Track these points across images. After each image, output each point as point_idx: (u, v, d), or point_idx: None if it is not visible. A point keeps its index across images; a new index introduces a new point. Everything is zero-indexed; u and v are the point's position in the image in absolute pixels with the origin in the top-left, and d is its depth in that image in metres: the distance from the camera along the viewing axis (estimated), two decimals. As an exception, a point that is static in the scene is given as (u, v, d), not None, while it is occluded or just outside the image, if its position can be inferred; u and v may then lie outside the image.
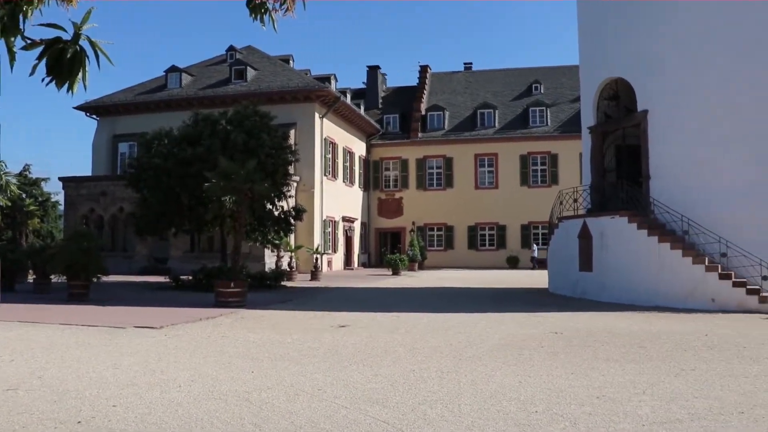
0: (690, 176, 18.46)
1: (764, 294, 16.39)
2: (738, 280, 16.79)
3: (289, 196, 29.42)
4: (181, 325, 13.27)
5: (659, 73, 19.32)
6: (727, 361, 9.34)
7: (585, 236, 20.30)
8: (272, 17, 3.79)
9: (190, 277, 23.50)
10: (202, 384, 7.60)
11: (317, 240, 36.45)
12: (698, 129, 18.48)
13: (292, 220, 26.39)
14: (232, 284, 17.46)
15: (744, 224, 17.40)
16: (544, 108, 47.87)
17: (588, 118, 22.45)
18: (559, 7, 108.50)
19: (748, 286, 16.58)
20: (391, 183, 49.19)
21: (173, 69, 41.14)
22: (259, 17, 3.77)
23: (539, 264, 43.93)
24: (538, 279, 27.59)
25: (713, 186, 18.02)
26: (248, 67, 39.92)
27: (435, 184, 48.40)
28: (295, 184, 34.39)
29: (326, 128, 39.34)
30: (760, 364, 9.08)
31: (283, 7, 3.77)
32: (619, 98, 21.80)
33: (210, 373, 8.26)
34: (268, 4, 3.75)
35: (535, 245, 44.90)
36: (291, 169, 27.59)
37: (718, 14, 18.38)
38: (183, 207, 24.51)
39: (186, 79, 41.03)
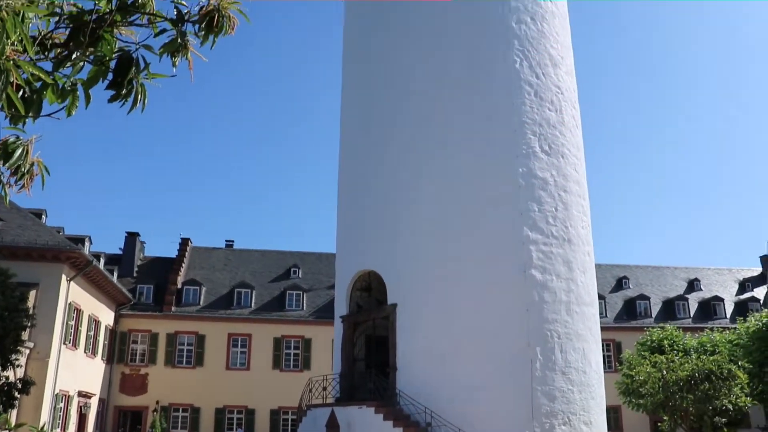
0: (433, 368, 19.37)
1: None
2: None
3: (18, 366, 26.60)
4: None
5: (408, 269, 20.63)
6: None
7: (333, 426, 20.17)
8: (5, 191, 3.53)
9: None
10: None
11: (44, 417, 32.73)
12: (442, 323, 19.70)
13: (16, 394, 23.67)
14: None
15: (482, 416, 18.38)
16: (301, 292, 48.62)
17: (341, 307, 23.11)
18: (322, 197, 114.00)
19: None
20: (137, 357, 46.26)
21: None
22: None
23: None
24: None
25: (454, 378, 19.02)
26: (-9, 218, 36.77)
27: (185, 362, 46.26)
28: (27, 351, 31.22)
29: (73, 293, 36.70)
30: None
31: (19, 183, 3.53)
32: (371, 290, 22.80)
33: None
34: (2, 177, 3.50)
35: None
36: (25, 335, 25.16)
37: (457, 215, 20.34)
38: None
39: None
